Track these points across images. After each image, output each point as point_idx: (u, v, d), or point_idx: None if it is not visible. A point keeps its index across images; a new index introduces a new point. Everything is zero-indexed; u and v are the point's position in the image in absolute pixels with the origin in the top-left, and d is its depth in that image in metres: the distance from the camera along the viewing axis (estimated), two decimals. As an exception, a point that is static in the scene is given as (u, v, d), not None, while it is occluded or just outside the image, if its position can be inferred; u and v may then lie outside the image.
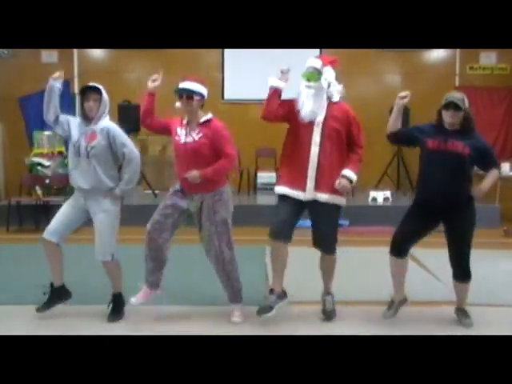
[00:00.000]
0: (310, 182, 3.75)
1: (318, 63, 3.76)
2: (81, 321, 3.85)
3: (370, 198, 8.39)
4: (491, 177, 3.76)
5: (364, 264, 5.38)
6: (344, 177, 3.72)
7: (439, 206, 3.71)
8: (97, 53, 9.92)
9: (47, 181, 7.95)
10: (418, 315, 4.02)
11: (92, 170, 3.76)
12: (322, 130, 3.73)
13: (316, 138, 3.73)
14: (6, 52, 9.55)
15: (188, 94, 3.72)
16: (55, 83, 3.72)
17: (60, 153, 9.32)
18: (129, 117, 8.41)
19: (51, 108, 3.75)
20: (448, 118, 3.66)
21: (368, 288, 4.45)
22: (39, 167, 8.73)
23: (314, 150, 3.73)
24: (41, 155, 9.01)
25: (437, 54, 10.09)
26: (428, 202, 3.73)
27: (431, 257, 5.51)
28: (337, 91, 3.79)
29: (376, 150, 9.69)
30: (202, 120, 3.78)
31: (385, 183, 9.29)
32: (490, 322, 3.91)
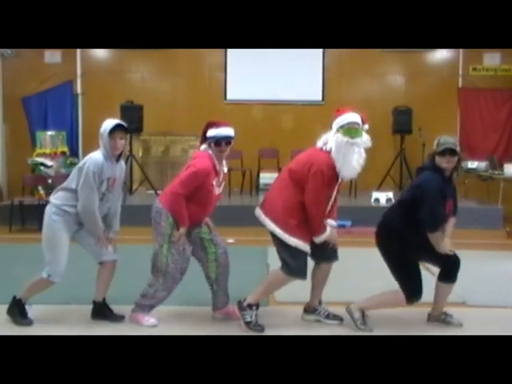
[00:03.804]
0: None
1: (359, 119, 3.66)
2: (79, 320, 3.85)
3: (373, 198, 8.39)
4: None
5: (366, 265, 5.37)
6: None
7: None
8: (100, 53, 9.92)
9: (50, 181, 7.97)
10: (417, 315, 4.00)
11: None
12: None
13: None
14: (10, 52, 9.57)
15: (228, 141, 3.74)
16: None
17: (63, 153, 9.35)
18: (131, 117, 8.42)
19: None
20: (444, 163, 3.64)
21: (370, 289, 4.44)
22: (42, 167, 8.76)
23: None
24: (43, 155, 9.04)
25: (440, 55, 10.08)
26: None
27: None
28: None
29: (378, 150, 9.66)
30: (226, 170, 3.88)
31: (387, 184, 9.29)
32: (492, 323, 3.90)
